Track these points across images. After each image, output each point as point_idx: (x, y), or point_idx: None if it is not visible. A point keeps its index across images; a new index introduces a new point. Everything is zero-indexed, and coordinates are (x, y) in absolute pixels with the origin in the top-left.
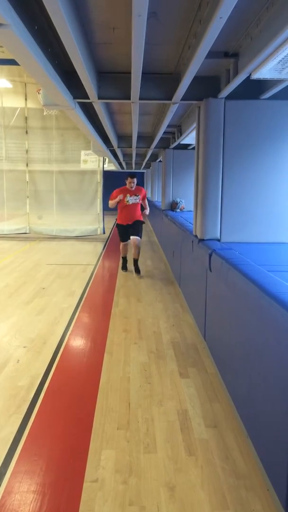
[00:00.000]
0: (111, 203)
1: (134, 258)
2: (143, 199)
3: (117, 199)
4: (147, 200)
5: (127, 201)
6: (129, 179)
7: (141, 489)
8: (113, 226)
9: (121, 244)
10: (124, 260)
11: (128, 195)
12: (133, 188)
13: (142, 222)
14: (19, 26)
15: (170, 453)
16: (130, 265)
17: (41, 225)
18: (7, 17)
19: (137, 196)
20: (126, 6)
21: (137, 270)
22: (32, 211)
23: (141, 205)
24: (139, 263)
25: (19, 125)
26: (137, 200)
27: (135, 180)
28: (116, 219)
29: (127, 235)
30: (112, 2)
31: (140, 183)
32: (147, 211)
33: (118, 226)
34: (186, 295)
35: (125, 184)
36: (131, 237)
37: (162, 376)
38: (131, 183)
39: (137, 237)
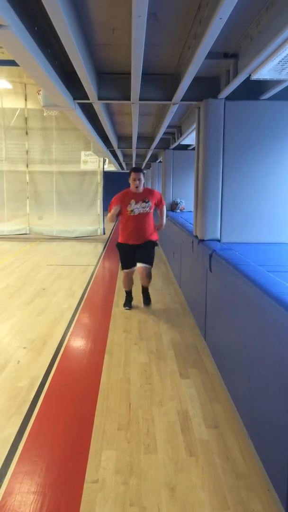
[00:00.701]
0: (109, 216)
1: (142, 286)
2: (159, 206)
3: (113, 211)
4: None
5: (131, 211)
6: (132, 175)
7: (141, 489)
8: (108, 238)
9: (122, 272)
10: (128, 295)
11: (132, 201)
12: (140, 190)
13: (155, 244)
14: (19, 27)
15: (171, 453)
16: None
17: (41, 225)
18: (7, 18)
19: (147, 202)
20: (126, 7)
21: (147, 300)
22: (32, 212)
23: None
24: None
25: (19, 126)
26: (147, 209)
27: (140, 176)
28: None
29: (131, 260)
30: (112, 3)
31: None
32: (163, 224)
33: (119, 246)
34: (186, 296)
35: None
36: (138, 264)
37: (162, 376)
38: (136, 181)
39: (146, 265)
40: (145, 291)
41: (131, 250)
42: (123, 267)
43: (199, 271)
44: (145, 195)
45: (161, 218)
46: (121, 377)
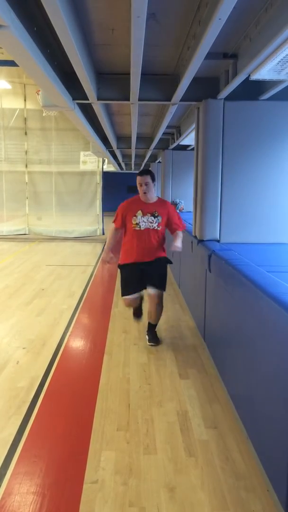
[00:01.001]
0: (110, 235)
1: (149, 322)
2: (169, 224)
3: (117, 227)
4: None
5: (137, 224)
6: (137, 179)
7: (141, 490)
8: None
9: (124, 300)
10: (136, 311)
11: (140, 212)
12: (150, 198)
13: (167, 261)
14: (18, 28)
15: (170, 454)
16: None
17: (41, 226)
18: (6, 18)
19: (156, 217)
20: (125, 7)
21: (153, 338)
22: (32, 212)
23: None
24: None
25: (18, 126)
26: (155, 225)
27: (147, 179)
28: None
29: (136, 284)
30: (111, 3)
31: None
32: (178, 244)
33: (121, 268)
34: (185, 296)
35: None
36: (148, 289)
37: (161, 377)
38: (142, 186)
39: (157, 290)
40: (152, 330)
41: (136, 269)
42: (124, 292)
43: (198, 271)
44: (156, 208)
45: (175, 239)
46: (121, 378)
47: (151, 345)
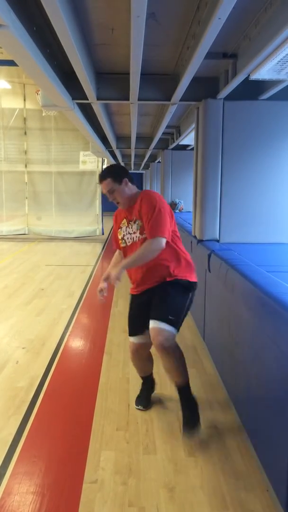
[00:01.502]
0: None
1: (175, 383)
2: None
3: (115, 249)
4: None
5: (122, 239)
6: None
7: (140, 490)
8: (107, 238)
9: (130, 342)
10: (145, 383)
11: (124, 222)
12: (131, 202)
13: (182, 284)
14: (18, 27)
15: (170, 454)
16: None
17: (40, 226)
18: (6, 18)
19: (136, 222)
20: (125, 7)
21: (190, 421)
22: (31, 212)
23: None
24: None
25: (18, 126)
26: (138, 233)
27: (108, 183)
28: None
29: (137, 320)
30: (110, 3)
31: (139, 186)
32: (115, 273)
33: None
34: None
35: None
36: (150, 323)
37: (161, 377)
38: (108, 196)
39: (161, 324)
40: (183, 396)
41: (140, 301)
42: (130, 332)
43: (198, 271)
44: (137, 212)
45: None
46: (120, 377)
47: (188, 429)
